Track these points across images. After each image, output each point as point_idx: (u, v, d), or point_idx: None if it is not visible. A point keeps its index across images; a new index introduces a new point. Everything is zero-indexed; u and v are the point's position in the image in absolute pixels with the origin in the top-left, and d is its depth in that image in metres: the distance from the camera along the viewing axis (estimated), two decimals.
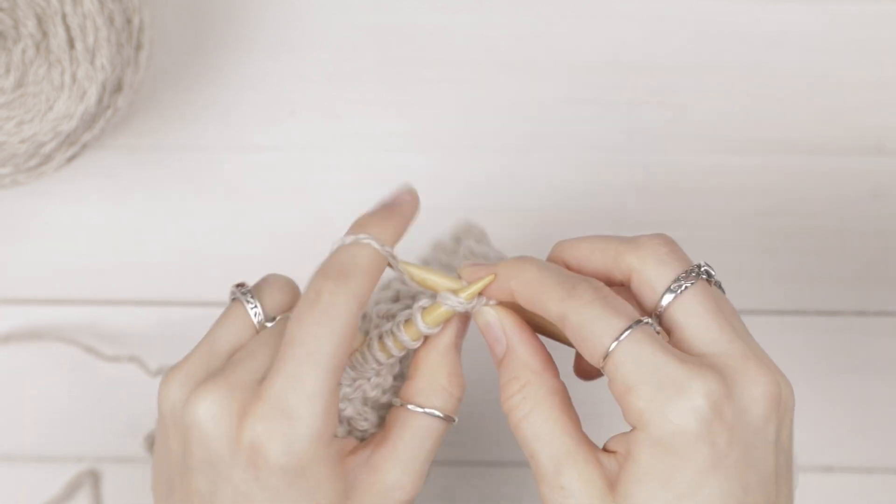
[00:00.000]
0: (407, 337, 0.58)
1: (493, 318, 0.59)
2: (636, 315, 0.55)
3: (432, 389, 0.59)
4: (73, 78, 0.71)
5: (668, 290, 0.56)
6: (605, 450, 0.57)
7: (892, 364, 0.80)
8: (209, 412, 0.56)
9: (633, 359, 0.54)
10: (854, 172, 0.79)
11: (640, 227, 0.79)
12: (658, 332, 0.56)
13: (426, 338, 0.59)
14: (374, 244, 0.57)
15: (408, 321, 0.59)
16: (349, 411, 0.59)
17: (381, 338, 0.59)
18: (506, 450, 0.79)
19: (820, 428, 0.80)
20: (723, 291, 0.58)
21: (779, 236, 0.80)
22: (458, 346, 0.60)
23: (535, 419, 0.57)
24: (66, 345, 0.80)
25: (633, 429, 0.55)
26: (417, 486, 0.58)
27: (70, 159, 0.74)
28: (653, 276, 0.57)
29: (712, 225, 0.80)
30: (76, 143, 0.74)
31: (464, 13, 0.80)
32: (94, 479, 0.80)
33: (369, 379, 0.59)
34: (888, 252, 0.79)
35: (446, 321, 0.59)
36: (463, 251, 0.65)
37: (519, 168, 0.80)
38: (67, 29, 0.71)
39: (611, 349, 0.54)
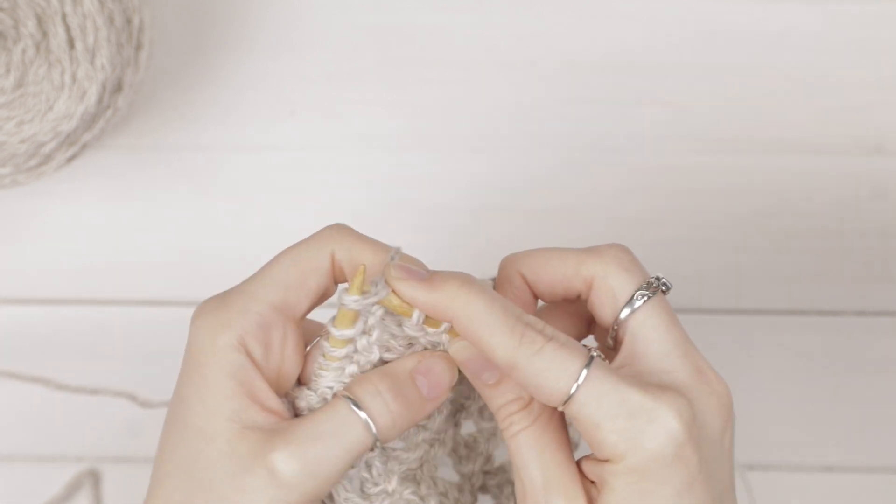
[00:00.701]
0: (328, 343, 0.57)
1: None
2: (584, 349, 0.55)
3: (359, 380, 0.57)
4: (73, 78, 0.71)
5: (632, 299, 0.56)
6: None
7: (892, 364, 0.80)
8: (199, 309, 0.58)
9: (596, 396, 0.54)
10: (854, 172, 0.79)
11: (638, 227, 0.79)
12: (603, 358, 0.55)
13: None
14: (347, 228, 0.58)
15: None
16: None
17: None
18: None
19: (820, 428, 0.80)
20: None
21: (779, 236, 0.80)
22: (412, 382, 0.57)
23: (535, 430, 0.56)
24: (64, 345, 0.80)
25: (607, 461, 0.54)
26: (303, 482, 0.54)
27: (70, 159, 0.74)
28: (616, 283, 0.57)
29: (712, 225, 0.79)
30: (76, 143, 0.74)
31: (464, 13, 0.80)
32: (94, 479, 0.80)
33: (309, 387, 0.58)
34: (888, 252, 0.79)
35: (354, 322, 0.56)
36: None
37: (518, 168, 0.80)
38: (67, 29, 0.71)
39: (572, 392, 0.54)
